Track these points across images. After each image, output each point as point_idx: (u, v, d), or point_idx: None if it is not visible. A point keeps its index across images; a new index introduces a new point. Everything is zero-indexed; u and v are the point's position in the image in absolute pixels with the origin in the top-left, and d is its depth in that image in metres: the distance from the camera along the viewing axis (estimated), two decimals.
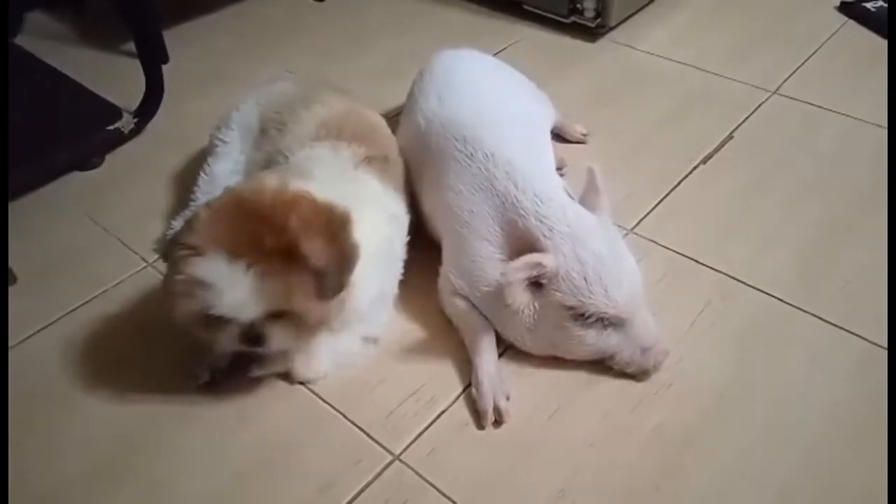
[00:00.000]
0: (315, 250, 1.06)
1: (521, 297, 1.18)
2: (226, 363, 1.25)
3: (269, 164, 1.38)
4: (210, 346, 1.16)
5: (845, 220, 1.54)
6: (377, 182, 1.32)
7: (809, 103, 1.87)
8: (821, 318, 1.34)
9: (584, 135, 1.76)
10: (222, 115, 1.57)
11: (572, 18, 2.15)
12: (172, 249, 1.11)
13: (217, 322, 1.09)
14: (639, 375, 1.23)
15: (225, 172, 1.50)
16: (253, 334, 1.10)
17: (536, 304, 1.19)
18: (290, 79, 1.65)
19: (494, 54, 1.87)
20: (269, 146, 1.43)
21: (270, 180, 1.14)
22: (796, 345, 1.30)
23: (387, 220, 1.31)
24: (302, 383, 1.24)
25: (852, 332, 1.31)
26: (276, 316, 1.09)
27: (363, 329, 1.27)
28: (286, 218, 1.07)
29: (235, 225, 1.07)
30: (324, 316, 1.14)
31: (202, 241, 1.06)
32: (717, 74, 1.99)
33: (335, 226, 1.11)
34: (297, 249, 1.06)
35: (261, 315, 1.08)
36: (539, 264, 1.16)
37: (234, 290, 1.05)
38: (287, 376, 1.25)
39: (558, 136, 1.74)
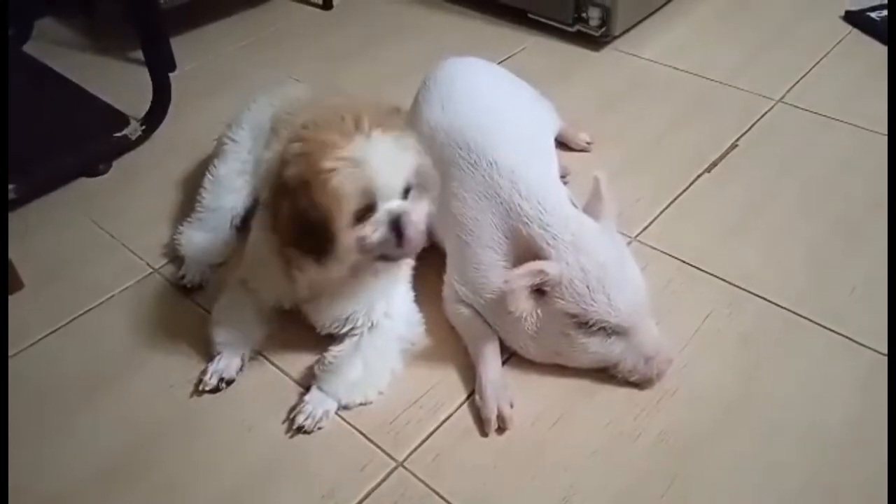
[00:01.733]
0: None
1: (523, 305, 1.18)
2: (233, 372, 1.26)
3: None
4: (362, 250, 1.12)
5: (850, 229, 1.54)
6: None
7: (814, 112, 1.87)
8: (826, 327, 1.34)
9: (589, 143, 1.76)
10: (233, 115, 1.57)
11: (577, 27, 2.16)
12: (291, 175, 1.09)
13: (366, 213, 1.09)
14: (642, 384, 1.24)
15: (231, 173, 1.51)
16: (403, 212, 1.10)
17: (539, 312, 1.19)
18: (303, 83, 1.65)
19: (499, 62, 1.88)
20: (279, 146, 1.43)
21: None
22: (801, 353, 1.30)
23: None
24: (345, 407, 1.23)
25: (857, 342, 1.31)
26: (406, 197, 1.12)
27: (405, 331, 1.28)
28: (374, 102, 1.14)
29: (342, 119, 1.09)
30: (434, 186, 1.18)
31: (332, 138, 1.07)
32: (721, 83, 1.99)
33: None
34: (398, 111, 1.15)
35: (407, 179, 1.10)
36: (542, 272, 1.16)
37: (382, 156, 1.07)
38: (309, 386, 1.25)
39: (563, 144, 1.74)
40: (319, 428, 1.19)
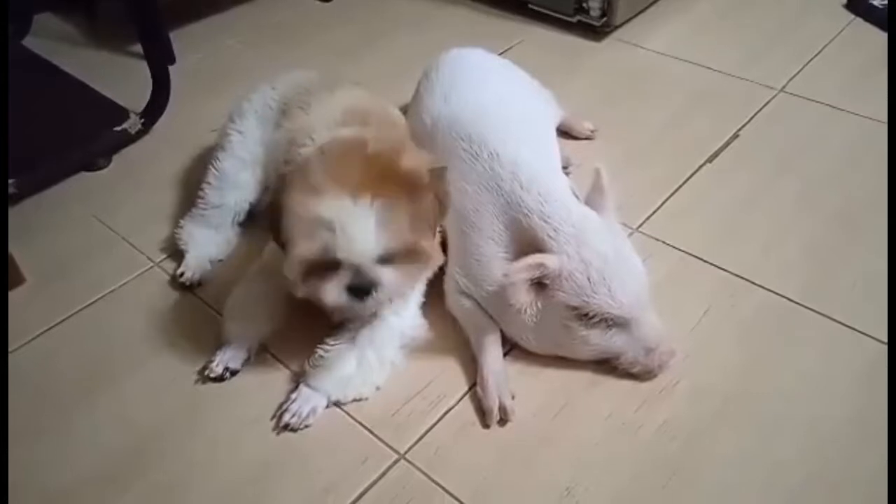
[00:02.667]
0: (433, 178, 1.11)
1: (523, 297, 1.18)
2: (239, 363, 1.26)
3: (293, 143, 1.37)
4: (315, 296, 1.11)
5: (853, 219, 1.53)
6: None
7: (816, 101, 1.87)
8: (828, 317, 1.33)
9: (592, 131, 1.76)
10: (234, 107, 1.55)
11: (578, 17, 2.15)
12: (283, 190, 1.09)
13: (329, 268, 1.08)
14: (643, 376, 1.23)
15: (237, 166, 1.49)
16: (363, 283, 1.08)
17: (540, 304, 1.19)
18: (306, 69, 1.64)
19: (500, 53, 1.87)
20: (291, 124, 1.43)
21: (369, 133, 1.15)
22: (803, 344, 1.30)
23: None
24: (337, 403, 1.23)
25: (860, 331, 1.31)
26: (386, 262, 1.09)
27: (407, 329, 1.27)
28: (397, 156, 1.10)
29: (351, 164, 1.07)
30: (428, 261, 1.15)
31: (322, 181, 1.06)
32: (722, 73, 1.99)
33: (436, 170, 1.14)
34: (415, 179, 1.09)
35: (380, 254, 1.07)
36: (542, 265, 1.16)
37: (358, 228, 1.05)
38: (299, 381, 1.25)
39: (566, 133, 1.74)
40: (306, 426, 1.18)
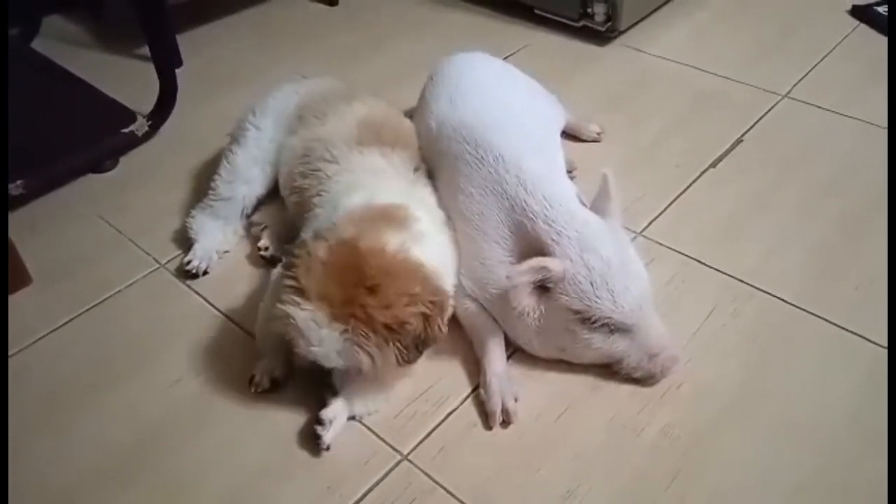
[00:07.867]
0: (417, 325, 1.11)
1: (526, 301, 1.19)
2: (282, 372, 1.25)
3: (309, 154, 1.40)
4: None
5: (856, 224, 1.53)
6: (429, 188, 1.38)
7: (820, 107, 1.87)
8: (830, 322, 1.34)
9: (599, 133, 1.76)
10: (257, 101, 1.57)
11: (583, 22, 2.16)
12: (287, 265, 1.14)
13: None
14: (646, 381, 1.24)
15: (248, 161, 1.51)
16: (325, 374, 1.16)
17: (543, 308, 1.20)
18: (330, 78, 1.66)
19: (505, 58, 1.88)
20: (306, 132, 1.45)
21: (393, 239, 1.14)
22: (806, 348, 1.30)
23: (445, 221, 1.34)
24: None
25: (862, 336, 1.31)
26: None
27: None
28: (396, 287, 1.09)
29: (346, 280, 1.09)
30: (394, 377, 1.20)
31: (310, 288, 1.09)
32: (727, 78, 1.99)
33: (438, 307, 1.14)
34: (398, 323, 1.09)
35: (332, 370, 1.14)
36: (545, 268, 1.16)
37: (324, 348, 1.09)
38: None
39: (572, 136, 1.74)
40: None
